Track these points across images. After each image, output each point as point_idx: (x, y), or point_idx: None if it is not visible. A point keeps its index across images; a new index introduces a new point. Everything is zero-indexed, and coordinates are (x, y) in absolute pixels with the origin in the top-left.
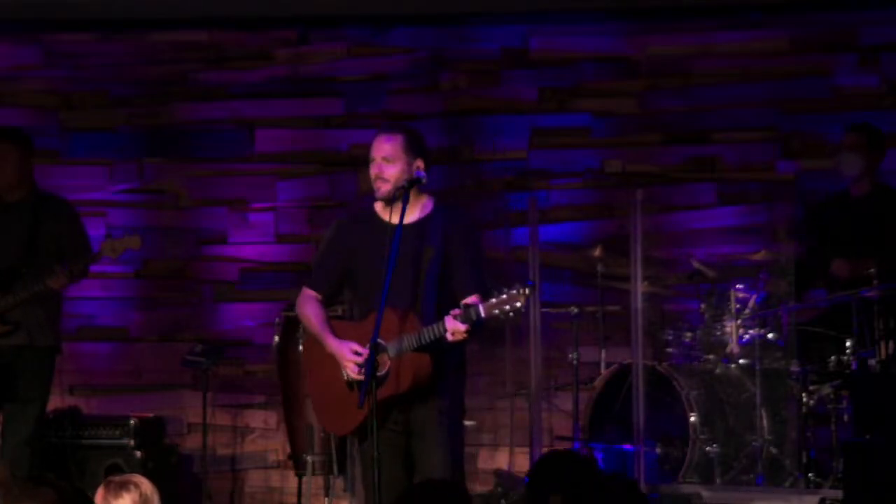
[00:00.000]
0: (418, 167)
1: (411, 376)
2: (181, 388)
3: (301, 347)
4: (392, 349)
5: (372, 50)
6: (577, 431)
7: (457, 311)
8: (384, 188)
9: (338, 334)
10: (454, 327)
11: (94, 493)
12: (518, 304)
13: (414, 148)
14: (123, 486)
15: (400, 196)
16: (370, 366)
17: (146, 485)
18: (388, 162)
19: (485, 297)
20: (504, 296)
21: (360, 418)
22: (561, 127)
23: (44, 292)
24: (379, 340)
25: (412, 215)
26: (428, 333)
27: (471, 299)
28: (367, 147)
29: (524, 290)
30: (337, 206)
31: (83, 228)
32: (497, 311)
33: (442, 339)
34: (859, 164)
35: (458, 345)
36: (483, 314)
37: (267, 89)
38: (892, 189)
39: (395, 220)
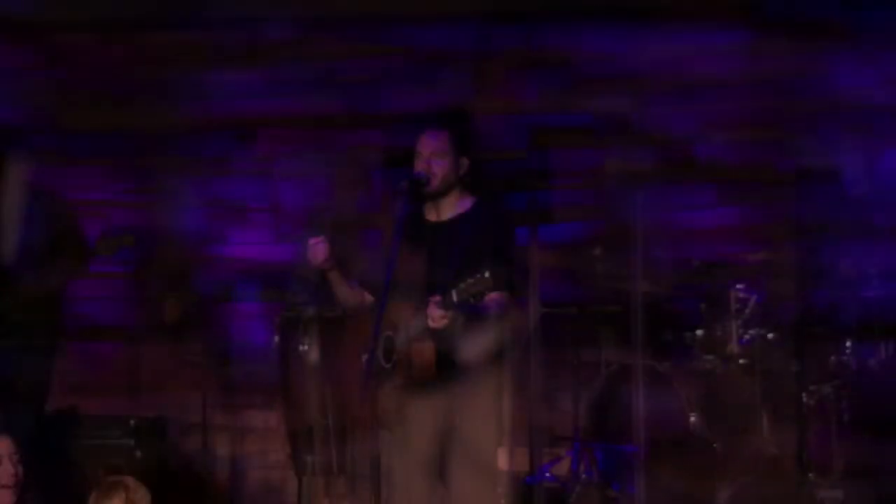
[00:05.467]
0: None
1: (413, 364)
2: (181, 388)
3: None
4: (398, 339)
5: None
6: (578, 431)
7: (437, 298)
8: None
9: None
10: (431, 313)
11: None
12: (481, 289)
13: (461, 145)
14: (113, 488)
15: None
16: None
17: (134, 488)
18: (437, 157)
19: (509, 291)
20: (471, 280)
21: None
22: (561, 126)
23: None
24: (388, 333)
25: (449, 212)
26: (419, 320)
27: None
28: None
29: (487, 276)
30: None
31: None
32: (466, 296)
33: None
34: None
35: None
36: (455, 299)
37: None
38: None
39: (434, 217)
